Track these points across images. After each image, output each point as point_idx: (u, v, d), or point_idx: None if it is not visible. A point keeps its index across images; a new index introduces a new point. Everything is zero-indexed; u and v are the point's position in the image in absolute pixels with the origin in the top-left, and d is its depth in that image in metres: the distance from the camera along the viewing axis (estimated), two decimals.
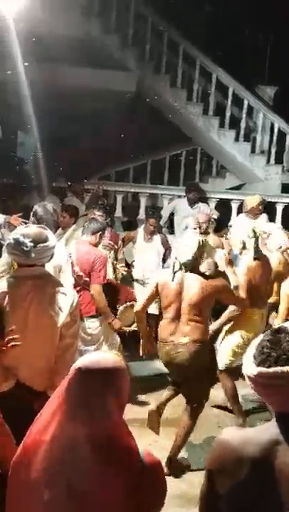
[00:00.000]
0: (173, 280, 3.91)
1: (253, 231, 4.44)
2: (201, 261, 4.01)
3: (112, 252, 5.78)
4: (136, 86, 8.64)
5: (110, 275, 5.28)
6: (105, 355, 1.78)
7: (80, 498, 1.59)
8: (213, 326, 4.56)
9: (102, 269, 4.69)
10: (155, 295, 4.07)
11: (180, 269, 3.91)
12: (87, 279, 4.66)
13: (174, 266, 3.93)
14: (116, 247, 5.96)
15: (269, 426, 1.48)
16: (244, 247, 4.65)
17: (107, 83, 8.25)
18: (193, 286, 3.86)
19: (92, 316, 4.72)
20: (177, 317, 3.89)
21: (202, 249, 3.96)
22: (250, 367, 1.46)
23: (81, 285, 4.62)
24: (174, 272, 3.89)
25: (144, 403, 4.95)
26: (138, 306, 4.20)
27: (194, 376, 3.90)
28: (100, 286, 4.68)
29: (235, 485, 1.46)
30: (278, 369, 1.40)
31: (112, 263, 5.54)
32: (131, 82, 8.61)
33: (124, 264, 5.99)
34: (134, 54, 8.82)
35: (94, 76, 8.20)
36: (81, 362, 1.70)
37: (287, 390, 1.40)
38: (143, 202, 8.17)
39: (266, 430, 1.48)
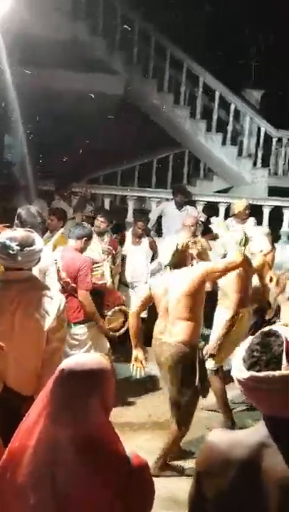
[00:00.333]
0: (160, 282, 4.05)
1: (246, 238, 4.46)
2: (187, 261, 4.06)
3: (110, 256, 5.79)
4: (123, 89, 8.65)
5: (108, 279, 5.31)
6: (90, 357, 1.77)
7: (67, 500, 1.58)
8: (212, 344, 4.57)
9: (87, 275, 4.69)
10: (149, 299, 4.16)
11: (165, 269, 4.04)
12: (74, 285, 4.65)
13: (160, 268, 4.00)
14: (114, 252, 5.96)
15: (257, 429, 1.48)
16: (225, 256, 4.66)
17: (96, 86, 8.25)
18: (176, 281, 3.94)
19: (79, 323, 4.71)
20: (167, 317, 3.98)
21: (183, 253, 4.02)
22: (240, 370, 1.45)
23: (68, 291, 4.61)
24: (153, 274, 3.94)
25: (133, 406, 4.93)
26: (133, 308, 4.30)
27: (175, 380, 3.91)
28: (87, 293, 4.69)
29: (222, 487, 1.45)
30: (269, 373, 1.39)
31: (110, 267, 5.58)
32: (118, 85, 8.62)
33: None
34: (122, 57, 8.83)
35: (82, 79, 8.20)
36: (65, 363, 1.69)
37: (277, 394, 1.39)
38: (131, 205, 8.15)
39: (254, 433, 1.47)
